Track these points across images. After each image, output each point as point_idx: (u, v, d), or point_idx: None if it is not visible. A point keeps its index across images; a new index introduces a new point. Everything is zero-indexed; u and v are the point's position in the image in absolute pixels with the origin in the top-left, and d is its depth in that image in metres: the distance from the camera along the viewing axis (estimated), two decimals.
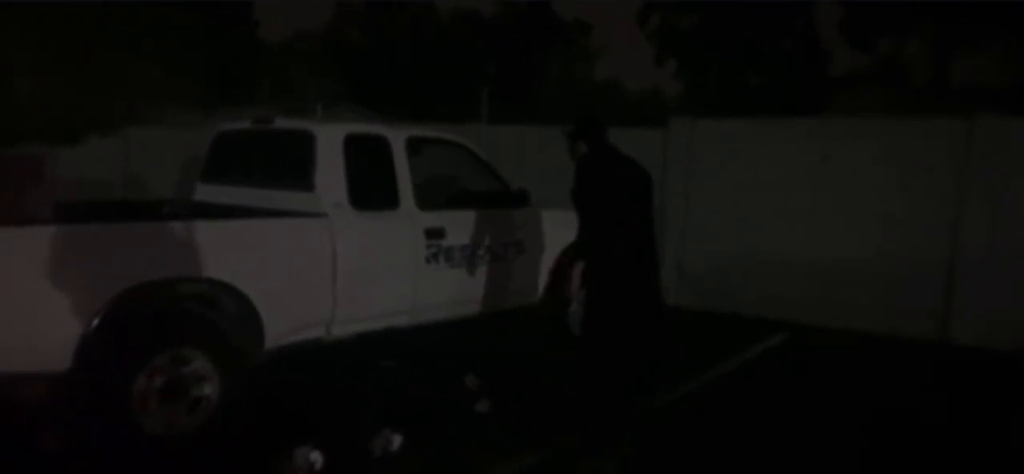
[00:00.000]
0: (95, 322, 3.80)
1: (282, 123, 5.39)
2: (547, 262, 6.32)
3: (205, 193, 5.73)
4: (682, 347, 6.28)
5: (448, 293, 5.46)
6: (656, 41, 21.97)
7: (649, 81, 21.43)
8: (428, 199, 5.40)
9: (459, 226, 5.49)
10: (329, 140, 5.04)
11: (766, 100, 20.20)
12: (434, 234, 5.32)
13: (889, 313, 7.07)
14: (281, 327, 4.59)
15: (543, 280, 6.30)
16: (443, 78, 19.95)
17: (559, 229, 6.38)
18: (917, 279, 7.02)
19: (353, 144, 5.12)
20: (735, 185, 7.93)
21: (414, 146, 5.47)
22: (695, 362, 6.00)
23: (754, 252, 7.79)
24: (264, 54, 23.23)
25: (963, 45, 19.57)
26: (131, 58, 16.03)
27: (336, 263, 4.82)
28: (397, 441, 4.17)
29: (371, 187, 5.17)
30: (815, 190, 7.53)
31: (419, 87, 19.92)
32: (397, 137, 5.36)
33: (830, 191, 7.44)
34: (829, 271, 7.38)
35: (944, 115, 7.28)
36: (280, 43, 24.60)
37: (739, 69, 21.33)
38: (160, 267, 4.08)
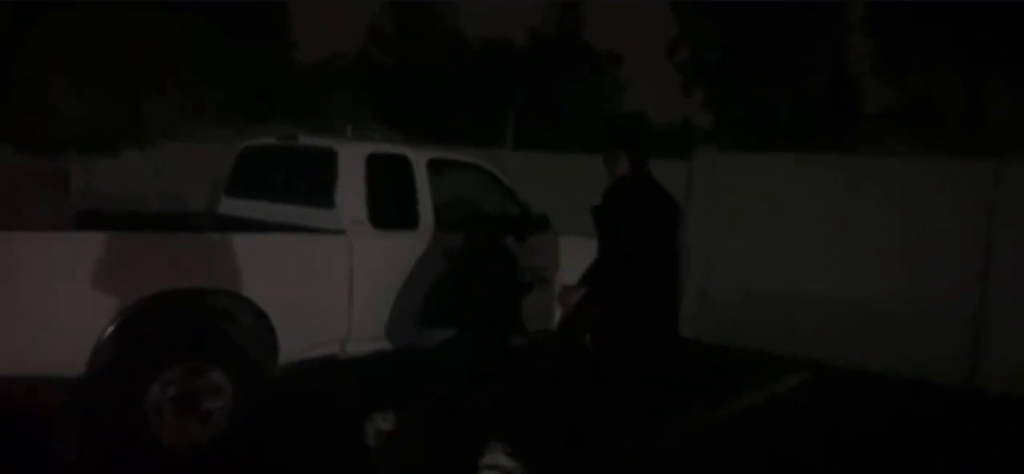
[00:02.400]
0: (110, 329, 3.84)
1: (306, 140, 5.45)
2: None
3: (229, 207, 5.80)
4: (698, 381, 6.17)
5: None
6: (685, 72, 21.97)
7: (677, 112, 21.38)
8: (448, 220, 5.41)
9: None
10: (351, 158, 5.09)
11: (796, 134, 20.03)
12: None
13: (915, 357, 6.91)
14: (296, 343, 4.61)
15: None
16: (471, 103, 20.11)
17: (580, 256, 6.35)
18: (944, 323, 6.86)
19: (375, 163, 5.16)
20: (759, 219, 7.85)
21: (436, 167, 5.49)
22: (710, 397, 5.91)
23: (777, 287, 7.68)
24: (299, 75, 23.60)
25: (997, 82, 19.29)
26: (169, 72, 16.34)
27: (353, 281, 4.84)
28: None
29: (391, 206, 5.20)
30: (841, 228, 7.42)
31: (447, 111, 20.09)
32: (419, 158, 5.39)
33: (856, 229, 7.33)
34: (854, 311, 7.24)
35: (974, 156, 7.16)
36: (315, 65, 24.99)
37: (769, 102, 21.22)
38: (176, 278, 4.13)
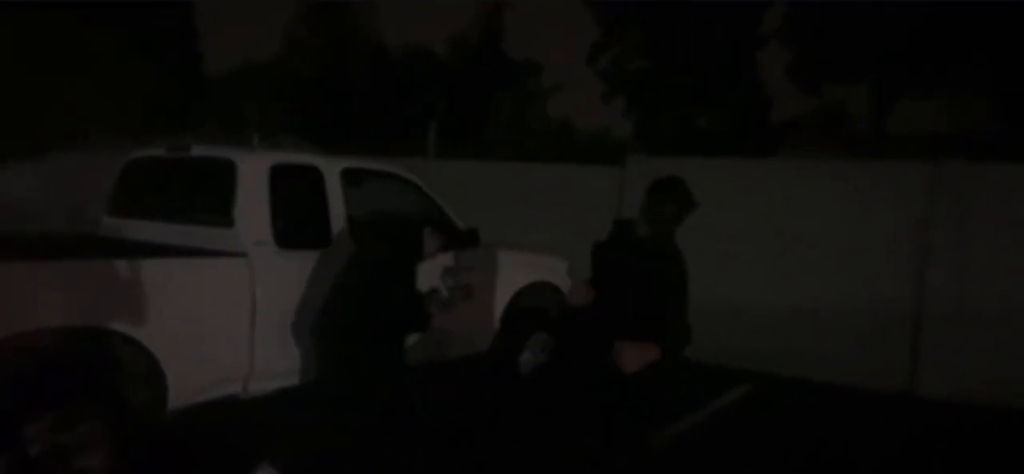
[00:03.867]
0: None
1: (200, 151, 4.82)
2: (499, 306, 5.83)
3: (111, 227, 5.10)
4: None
5: None
6: (606, 80, 21.92)
7: (599, 120, 21.29)
8: (365, 238, 4.86)
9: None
10: (252, 170, 4.49)
11: (714, 142, 20.19)
12: None
13: (855, 364, 6.72)
14: (189, 383, 3.99)
15: (494, 325, 5.81)
16: (393, 113, 19.51)
17: (513, 270, 5.92)
18: (882, 329, 6.71)
19: (280, 175, 4.58)
20: (694, 228, 7.53)
21: (351, 179, 4.95)
22: (663, 413, 5.56)
23: (715, 299, 7.38)
24: (208, 84, 22.47)
25: (905, 94, 19.92)
26: (60, 78, 15.16)
27: (256, 309, 4.25)
28: None
29: (300, 223, 4.63)
30: (776, 235, 7.21)
31: (369, 122, 19.43)
32: (331, 169, 4.84)
33: (791, 236, 7.12)
34: (791, 319, 7.02)
35: (905, 159, 7.06)
36: (226, 73, 23.86)
37: (688, 110, 21.36)
38: (41, 315, 3.46)
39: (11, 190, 11.22)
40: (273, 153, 4.80)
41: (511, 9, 23.32)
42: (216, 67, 23.35)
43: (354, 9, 23.04)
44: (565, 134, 20.80)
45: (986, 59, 15.61)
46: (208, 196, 4.61)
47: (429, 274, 5.16)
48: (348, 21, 22.59)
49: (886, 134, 19.78)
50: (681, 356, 3.48)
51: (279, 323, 4.37)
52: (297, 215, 4.62)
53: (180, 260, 4.16)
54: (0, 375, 3.31)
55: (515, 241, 6.72)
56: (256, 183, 4.47)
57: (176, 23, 21.23)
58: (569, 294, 3.70)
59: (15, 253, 4.15)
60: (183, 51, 21.56)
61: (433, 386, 5.28)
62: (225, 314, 4.15)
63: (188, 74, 21.15)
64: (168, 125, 17.78)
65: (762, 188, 7.30)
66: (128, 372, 3.75)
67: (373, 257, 4.07)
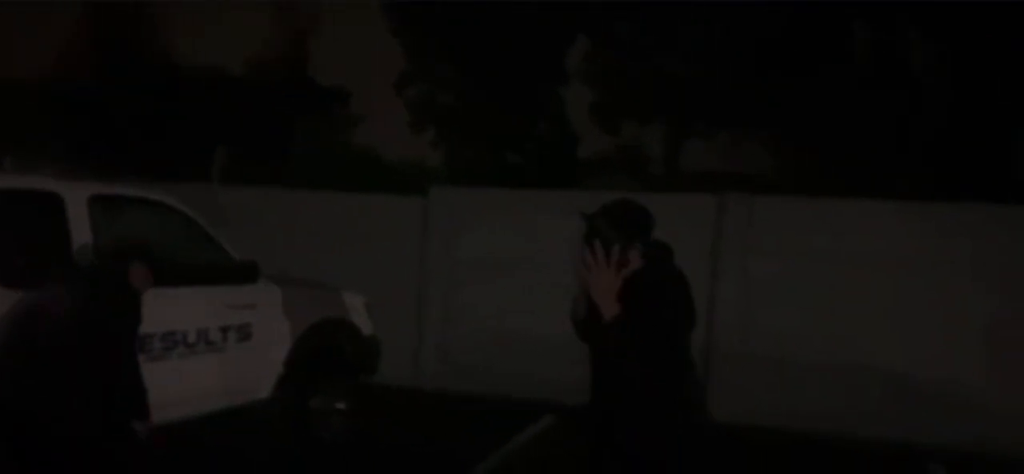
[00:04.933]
0: None
1: None
2: (283, 348, 5.27)
3: None
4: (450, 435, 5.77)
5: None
6: (414, 109, 21.77)
7: (409, 150, 21.01)
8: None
9: (161, 308, 4.30)
10: None
11: (521, 177, 20.63)
12: None
13: None
14: None
15: (276, 370, 5.23)
16: (180, 136, 18.02)
17: (299, 307, 5.39)
18: None
19: (8, 202, 3.83)
20: (496, 260, 7.44)
21: (103, 206, 4.25)
22: (469, 451, 5.45)
23: (515, 331, 7.30)
24: None
25: (694, 134, 21.50)
26: None
27: None
28: None
29: (32, 257, 3.88)
30: (572, 266, 7.22)
31: (149, 143, 17.82)
32: (76, 194, 4.12)
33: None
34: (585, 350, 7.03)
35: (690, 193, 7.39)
36: None
37: (496, 144, 21.68)
38: None
39: None
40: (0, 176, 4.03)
41: (318, 34, 22.53)
42: None
43: (133, 24, 21.24)
44: (371, 162, 20.28)
45: (762, 104, 17.12)
46: None
47: (197, 313, 4.57)
48: (125, 35, 20.76)
49: (680, 172, 21.19)
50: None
51: None
52: (28, 249, 3.88)
53: None
54: None
55: (311, 274, 6.21)
56: None
57: None
58: (573, 309, 2.92)
59: None
60: None
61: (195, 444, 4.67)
62: None
63: None
64: None
65: (557, 217, 7.33)
66: None
67: (67, 301, 3.38)
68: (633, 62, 20.54)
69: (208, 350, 4.63)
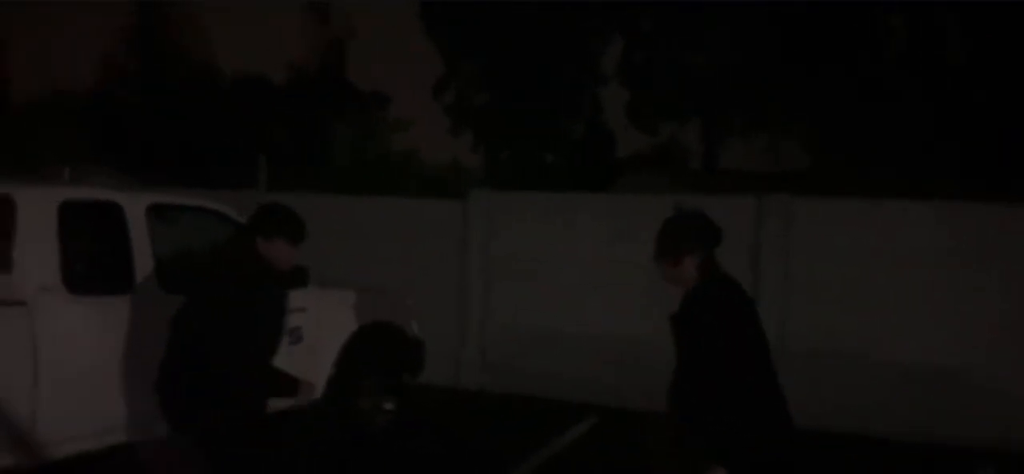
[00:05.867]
0: None
1: None
2: (333, 350, 5.43)
3: None
4: (492, 436, 5.83)
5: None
6: (452, 114, 21.96)
7: (447, 153, 21.23)
8: (177, 279, 4.36)
9: None
10: (36, 206, 3.92)
11: (559, 178, 20.70)
12: None
13: None
14: None
15: (326, 371, 5.39)
16: (223, 144, 18.44)
17: (347, 310, 5.56)
18: None
19: (72, 212, 4.02)
20: (535, 260, 7.52)
21: (160, 216, 4.44)
22: (509, 453, 5.51)
23: (555, 331, 7.37)
24: (12, 113, 20.32)
25: (733, 134, 21.32)
26: None
27: (38, 364, 3.67)
28: None
29: (95, 265, 4.08)
30: (612, 267, 7.28)
31: (195, 153, 18.26)
32: (135, 204, 4.31)
33: (627, 268, 7.19)
34: (628, 351, 7.08)
35: (727, 193, 7.36)
36: (33, 102, 21.69)
37: (533, 146, 21.77)
38: None
39: None
40: (64, 188, 4.23)
41: (358, 39, 22.84)
42: (23, 96, 21.26)
43: (178, 33, 21.75)
44: (410, 167, 20.54)
45: (799, 105, 16.97)
46: None
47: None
48: (171, 46, 21.27)
49: (718, 169, 21.04)
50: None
51: (69, 379, 3.79)
52: (93, 256, 4.07)
53: None
54: None
55: (354, 279, 6.36)
56: (42, 221, 3.89)
57: None
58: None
59: None
60: None
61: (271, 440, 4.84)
62: None
63: None
64: None
65: (598, 220, 7.38)
66: None
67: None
68: (669, 62, 20.47)
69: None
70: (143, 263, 4.21)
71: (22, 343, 3.62)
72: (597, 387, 7.03)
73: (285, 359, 4.95)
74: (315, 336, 5.19)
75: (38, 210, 3.90)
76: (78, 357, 3.85)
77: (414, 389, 6.20)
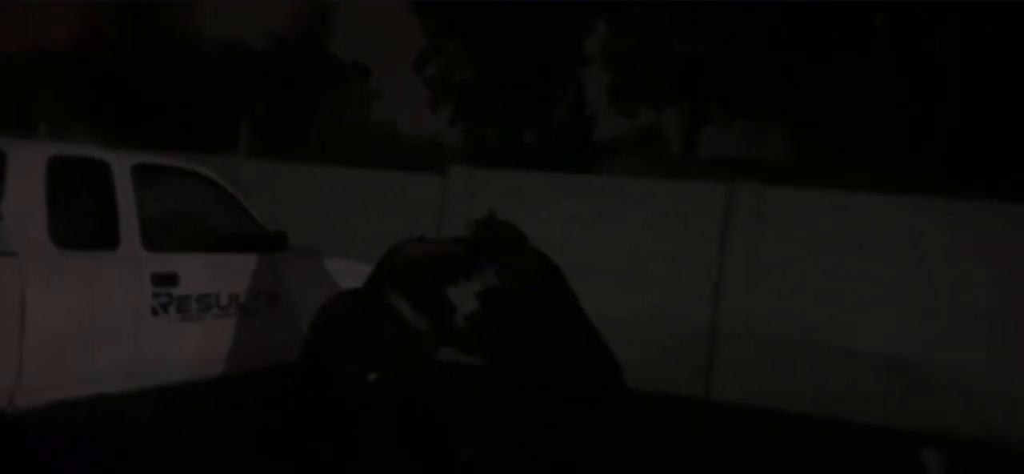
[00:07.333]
0: None
1: None
2: (308, 315, 5.56)
3: None
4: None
5: (180, 352, 4.55)
6: (433, 87, 21.94)
7: (427, 127, 21.25)
8: (159, 238, 4.48)
9: (196, 272, 4.60)
10: (25, 161, 4.01)
11: (539, 157, 20.82)
12: (164, 280, 4.40)
13: (658, 372, 7.08)
14: None
15: (302, 335, 5.52)
16: (203, 109, 18.35)
17: (324, 277, 5.68)
18: (683, 339, 7.12)
19: (60, 168, 4.12)
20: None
21: (144, 176, 4.54)
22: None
23: None
24: None
25: (712, 120, 21.51)
26: None
27: (26, 314, 3.78)
28: None
29: (82, 221, 4.19)
30: (588, 248, 7.46)
31: (175, 117, 18.16)
32: (121, 163, 4.41)
33: (602, 249, 7.39)
34: (607, 332, 7.27)
35: (704, 179, 7.55)
36: (9, 59, 21.36)
37: (514, 124, 21.84)
38: None
39: None
40: (52, 144, 4.33)
41: (340, 10, 22.70)
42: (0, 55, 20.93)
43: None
44: (390, 139, 20.55)
45: (780, 92, 17.17)
46: None
47: (230, 278, 4.86)
48: (150, 9, 21.04)
49: (697, 157, 21.25)
50: None
51: (55, 330, 3.91)
52: (80, 212, 4.18)
53: None
54: None
55: (332, 247, 6.48)
56: (30, 175, 3.99)
57: None
58: None
59: None
60: None
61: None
62: None
63: None
64: None
65: (575, 200, 7.55)
66: None
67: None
68: (651, 47, 20.56)
69: (239, 313, 4.92)
70: (128, 221, 4.32)
71: (13, 292, 3.72)
72: None
73: (262, 320, 5.13)
74: (291, 300, 5.33)
75: (28, 164, 4.00)
76: (63, 309, 3.96)
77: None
